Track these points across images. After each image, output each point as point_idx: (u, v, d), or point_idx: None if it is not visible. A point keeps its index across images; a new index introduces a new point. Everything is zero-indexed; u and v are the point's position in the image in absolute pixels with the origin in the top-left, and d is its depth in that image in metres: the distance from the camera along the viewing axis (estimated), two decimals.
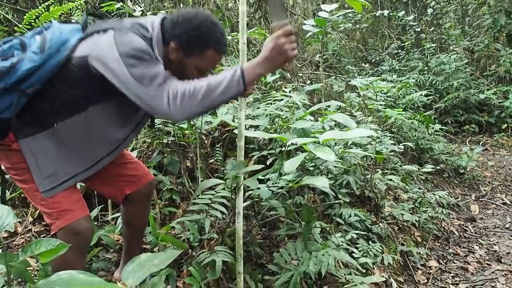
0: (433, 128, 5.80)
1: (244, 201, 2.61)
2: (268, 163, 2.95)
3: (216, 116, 3.00)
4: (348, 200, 3.22)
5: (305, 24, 3.74)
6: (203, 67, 1.74)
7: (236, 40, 3.87)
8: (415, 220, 3.73)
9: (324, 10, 3.39)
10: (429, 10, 9.09)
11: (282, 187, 2.49)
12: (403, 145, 4.33)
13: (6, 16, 4.14)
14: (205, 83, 1.54)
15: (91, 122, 1.76)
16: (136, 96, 1.58)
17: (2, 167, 1.85)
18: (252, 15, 6.30)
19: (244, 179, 2.19)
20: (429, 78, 8.06)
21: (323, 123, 3.04)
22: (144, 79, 1.56)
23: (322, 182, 2.00)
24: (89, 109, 1.74)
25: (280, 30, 1.51)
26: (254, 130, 3.08)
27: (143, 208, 2.22)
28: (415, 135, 5.28)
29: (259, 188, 2.40)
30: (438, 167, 5.37)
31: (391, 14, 8.57)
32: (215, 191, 2.49)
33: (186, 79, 1.72)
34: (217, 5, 4.86)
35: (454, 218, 4.47)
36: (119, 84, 1.59)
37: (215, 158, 3.24)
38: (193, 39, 1.67)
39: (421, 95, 6.39)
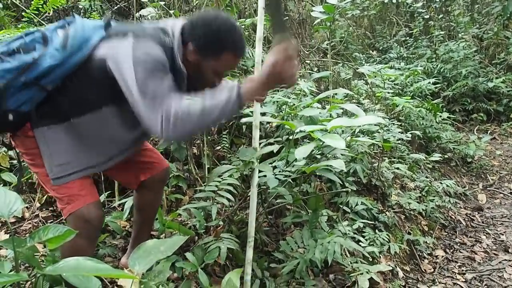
0: (440, 116, 5.74)
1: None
2: (275, 150, 2.93)
3: None
4: (355, 189, 3.20)
5: (313, 10, 3.70)
6: (220, 70, 1.74)
7: (243, 26, 3.82)
8: (422, 209, 3.72)
9: None
10: None
11: (289, 175, 2.47)
12: (411, 133, 4.29)
13: (14, 1, 4.11)
14: (200, 104, 1.49)
15: (105, 122, 1.77)
16: (136, 107, 1.57)
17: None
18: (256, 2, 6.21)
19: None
20: (437, 66, 7.96)
21: (330, 112, 3.02)
22: (148, 94, 1.53)
23: (338, 164, 2.02)
24: (102, 109, 1.75)
25: (284, 45, 1.43)
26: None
27: (156, 195, 2.25)
28: (423, 124, 5.23)
29: (265, 176, 2.39)
30: (445, 156, 5.33)
31: (400, 1, 8.46)
32: (222, 178, 2.48)
33: (204, 81, 1.76)
34: None
35: (461, 207, 4.45)
36: (125, 90, 1.58)
37: (221, 145, 3.23)
38: (210, 42, 1.66)
39: (429, 83, 6.33)
